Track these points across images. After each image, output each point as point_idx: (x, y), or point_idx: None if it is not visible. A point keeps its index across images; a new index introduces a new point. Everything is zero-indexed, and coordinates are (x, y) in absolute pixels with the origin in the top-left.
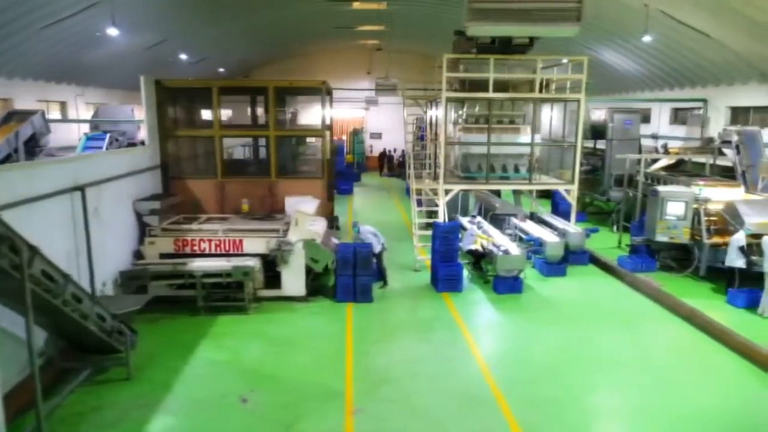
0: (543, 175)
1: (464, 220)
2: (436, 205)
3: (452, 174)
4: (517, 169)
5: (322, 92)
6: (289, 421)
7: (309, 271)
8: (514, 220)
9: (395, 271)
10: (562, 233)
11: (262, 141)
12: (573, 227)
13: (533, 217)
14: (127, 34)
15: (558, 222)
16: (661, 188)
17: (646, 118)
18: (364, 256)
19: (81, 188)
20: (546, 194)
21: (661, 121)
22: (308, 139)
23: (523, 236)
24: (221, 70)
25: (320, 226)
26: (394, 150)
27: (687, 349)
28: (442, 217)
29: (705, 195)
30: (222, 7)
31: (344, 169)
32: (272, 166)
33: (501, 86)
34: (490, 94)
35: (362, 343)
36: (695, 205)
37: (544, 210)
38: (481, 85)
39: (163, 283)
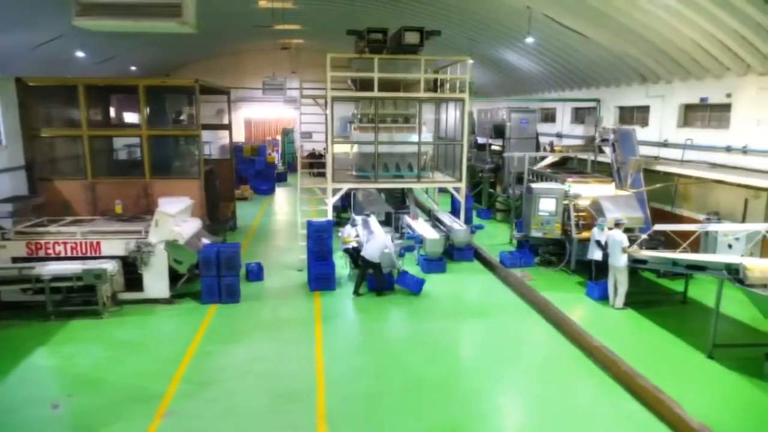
0: (437, 174)
1: (358, 219)
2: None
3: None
4: (411, 168)
5: (195, 91)
6: (94, 426)
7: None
8: (406, 218)
9: (280, 270)
10: (448, 230)
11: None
12: (459, 224)
13: (430, 214)
14: (12, 31)
15: (447, 219)
16: (534, 185)
17: (552, 118)
18: (228, 257)
19: None
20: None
21: (564, 121)
22: (185, 139)
23: (410, 233)
24: (133, 68)
25: (189, 226)
26: (325, 150)
27: (530, 340)
28: (329, 215)
29: (575, 191)
30: None
31: (264, 169)
32: (146, 167)
33: (393, 86)
34: (375, 93)
35: (209, 344)
36: (565, 202)
37: (440, 208)
38: (372, 85)
39: (15, 288)
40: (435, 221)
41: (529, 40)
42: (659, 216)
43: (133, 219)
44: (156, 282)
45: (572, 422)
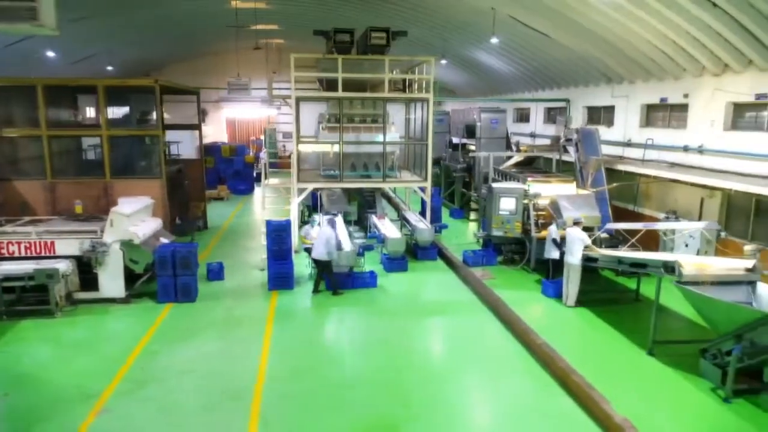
0: (406, 173)
1: (317, 218)
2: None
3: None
4: (378, 168)
5: (155, 92)
6: (25, 425)
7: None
8: (373, 218)
9: (243, 269)
10: (412, 230)
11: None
12: (424, 223)
13: (400, 215)
14: None
15: (413, 218)
16: (495, 185)
17: (526, 118)
18: (183, 256)
19: None
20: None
21: (537, 121)
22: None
23: (373, 233)
24: (110, 68)
25: (147, 226)
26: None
27: (478, 338)
28: (294, 214)
29: (535, 191)
30: (92, 5)
31: (243, 169)
32: (106, 167)
33: (361, 86)
34: (339, 94)
35: (156, 343)
36: (525, 201)
37: (411, 208)
38: (342, 86)
39: None
40: (403, 220)
41: (494, 40)
42: (622, 215)
43: (91, 219)
44: (111, 281)
45: (503, 418)
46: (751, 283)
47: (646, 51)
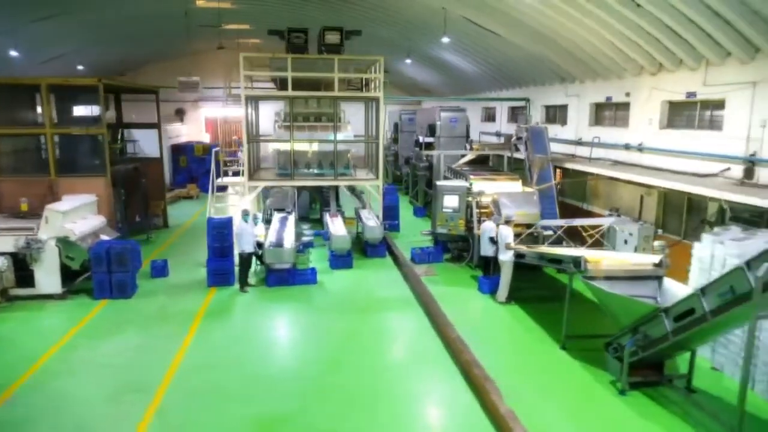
0: (361, 172)
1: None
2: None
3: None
4: (333, 166)
5: (98, 91)
6: None
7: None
8: (326, 216)
9: (191, 266)
10: (362, 227)
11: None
12: (373, 221)
13: (356, 212)
14: None
15: (365, 216)
16: (439, 183)
17: (493, 117)
18: (118, 253)
19: None
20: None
21: (502, 120)
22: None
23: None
24: (80, 68)
25: (86, 224)
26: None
27: (401, 333)
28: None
29: (478, 188)
30: (54, 4)
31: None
32: (51, 165)
33: (315, 85)
34: (289, 93)
35: (80, 338)
36: (468, 198)
37: (370, 206)
38: (295, 85)
39: None
40: (357, 218)
41: (445, 39)
42: (573, 212)
43: (32, 216)
44: (47, 278)
45: (400, 408)
46: (659, 278)
47: (590, 51)
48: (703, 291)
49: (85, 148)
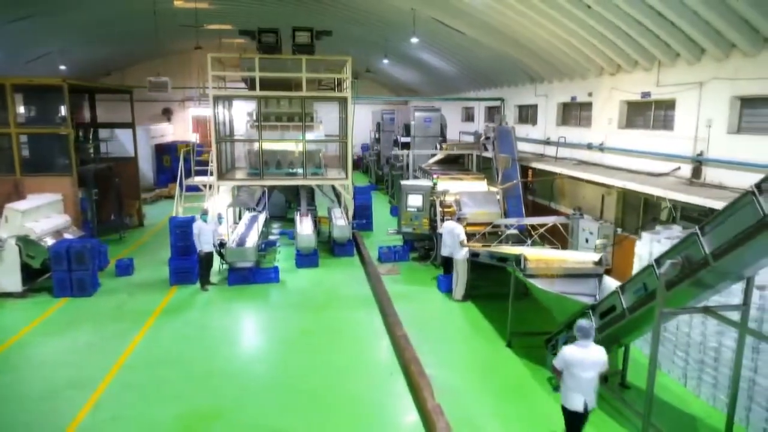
0: (332, 171)
1: (245, 216)
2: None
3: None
4: (303, 166)
5: (63, 90)
6: None
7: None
8: (296, 215)
9: (158, 265)
10: (331, 226)
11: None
12: (342, 220)
13: (328, 211)
14: None
15: (335, 215)
16: (403, 182)
17: (472, 117)
18: (78, 252)
19: None
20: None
21: (480, 120)
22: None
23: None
24: (62, 68)
25: (48, 222)
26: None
27: (353, 331)
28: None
29: (442, 188)
30: (32, 4)
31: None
32: (16, 164)
33: (286, 85)
34: (258, 93)
35: (32, 336)
36: (432, 198)
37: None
38: (266, 85)
39: None
40: (330, 218)
41: (414, 40)
42: (541, 211)
43: None
44: (7, 276)
45: (338, 404)
46: (599, 276)
47: (553, 51)
48: (622, 288)
49: (51, 147)
